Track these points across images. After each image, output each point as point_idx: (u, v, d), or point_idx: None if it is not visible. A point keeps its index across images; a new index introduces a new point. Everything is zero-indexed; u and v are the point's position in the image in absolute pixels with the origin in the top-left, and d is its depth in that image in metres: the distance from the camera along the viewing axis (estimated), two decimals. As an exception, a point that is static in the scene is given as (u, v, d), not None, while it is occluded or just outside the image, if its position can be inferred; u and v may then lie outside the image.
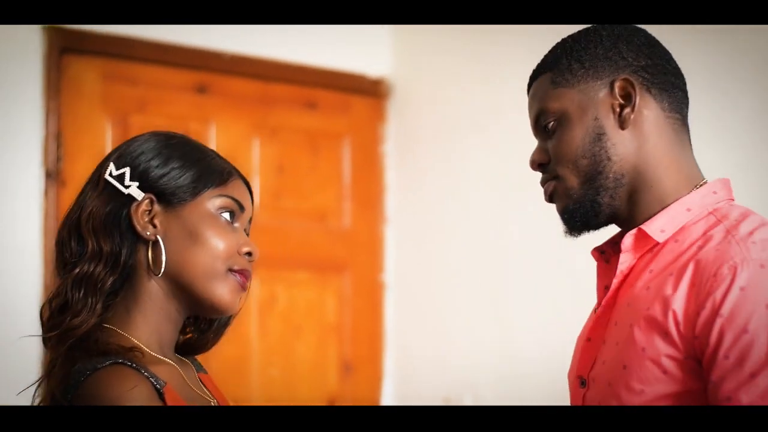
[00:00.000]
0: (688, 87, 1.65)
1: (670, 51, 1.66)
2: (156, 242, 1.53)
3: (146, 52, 3.55)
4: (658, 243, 1.53)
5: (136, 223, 1.53)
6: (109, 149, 3.35)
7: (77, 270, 1.51)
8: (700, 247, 1.48)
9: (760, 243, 1.45)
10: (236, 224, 1.58)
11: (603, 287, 1.63)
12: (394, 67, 3.99)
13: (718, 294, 1.41)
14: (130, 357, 1.45)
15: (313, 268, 3.86)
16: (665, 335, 1.44)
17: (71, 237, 1.54)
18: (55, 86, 3.35)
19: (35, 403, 1.52)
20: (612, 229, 1.64)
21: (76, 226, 1.54)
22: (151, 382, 1.43)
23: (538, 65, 1.64)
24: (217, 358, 3.73)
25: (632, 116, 1.56)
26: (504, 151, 3.38)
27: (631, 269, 1.55)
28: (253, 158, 3.75)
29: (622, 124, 1.56)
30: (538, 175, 1.64)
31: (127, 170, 1.55)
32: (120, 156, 1.57)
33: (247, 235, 1.62)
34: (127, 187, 1.54)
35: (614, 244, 1.64)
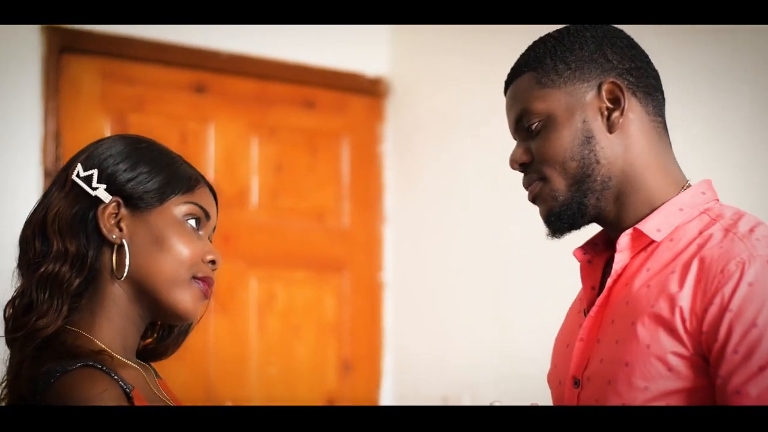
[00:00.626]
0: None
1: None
2: (121, 246, 1.53)
3: (145, 52, 3.55)
4: (652, 242, 1.54)
5: (102, 226, 1.53)
6: (107, 148, 3.36)
7: (42, 269, 1.50)
8: (701, 245, 1.48)
9: (764, 239, 1.46)
10: (201, 232, 1.58)
11: (589, 287, 1.64)
12: (393, 66, 3.99)
13: (727, 290, 1.42)
14: (100, 360, 1.45)
15: (312, 268, 3.86)
16: (672, 332, 1.44)
17: (35, 236, 1.54)
18: (53, 86, 3.36)
19: None
20: (593, 228, 1.65)
21: (41, 226, 1.54)
22: (120, 385, 1.43)
23: (518, 63, 1.63)
24: (216, 357, 3.75)
25: (621, 120, 1.57)
26: (502, 149, 3.35)
27: (624, 268, 1.56)
28: (251, 157, 3.75)
29: (611, 127, 1.57)
30: None
31: (95, 172, 1.55)
32: (88, 157, 1.57)
33: (210, 242, 1.61)
34: (94, 189, 1.54)
35: (595, 245, 1.66)
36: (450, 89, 3.74)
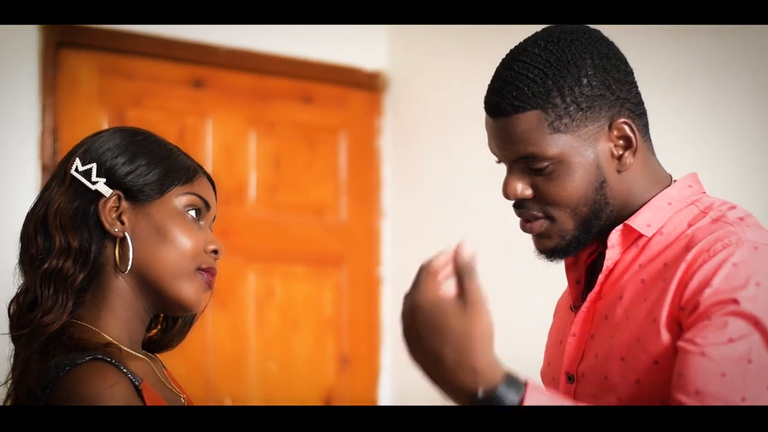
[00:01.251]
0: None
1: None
2: (123, 239, 1.53)
3: (143, 47, 3.55)
4: (641, 236, 1.54)
5: (104, 220, 1.53)
6: (105, 144, 3.36)
7: (45, 266, 1.51)
8: (690, 236, 1.48)
9: (754, 227, 1.47)
10: (201, 222, 1.58)
11: (574, 282, 1.64)
12: (391, 60, 3.99)
13: (709, 267, 1.42)
14: (109, 353, 1.45)
15: (310, 262, 3.86)
16: (655, 321, 1.44)
17: (37, 233, 1.54)
18: (51, 81, 3.35)
19: (6, 403, 1.51)
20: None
21: (43, 222, 1.54)
22: (129, 378, 1.43)
23: (516, 94, 1.51)
24: (214, 352, 3.75)
25: (632, 160, 1.54)
26: (501, 144, 3.37)
27: (615, 263, 1.56)
28: (249, 152, 3.75)
29: (621, 167, 1.54)
30: None
31: (93, 166, 1.55)
32: (86, 151, 1.57)
33: (211, 231, 1.61)
34: (94, 183, 1.54)
35: None
36: (448, 83, 3.73)
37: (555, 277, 3.28)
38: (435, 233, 3.80)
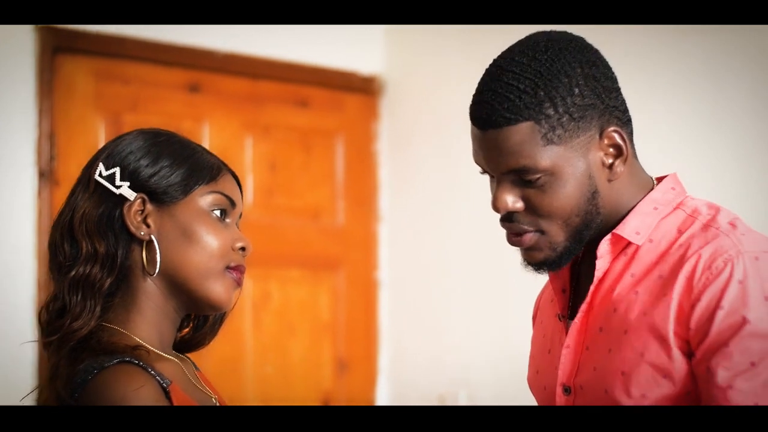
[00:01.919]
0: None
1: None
2: (150, 242, 1.52)
3: (139, 51, 3.55)
4: (630, 244, 1.52)
5: (129, 223, 1.52)
6: (102, 148, 3.36)
7: (73, 272, 1.50)
8: (685, 246, 1.48)
9: (749, 234, 1.47)
10: (228, 220, 1.58)
11: (560, 290, 1.62)
12: (387, 64, 3.99)
13: (716, 287, 1.42)
14: (137, 355, 1.45)
15: (307, 266, 3.86)
16: (663, 339, 1.44)
17: (64, 239, 1.53)
18: (47, 86, 3.35)
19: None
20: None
21: (69, 229, 1.53)
22: (157, 380, 1.43)
23: (507, 105, 1.47)
24: (211, 356, 3.73)
25: (622, 168, 1.53)
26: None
27: (605, 273, 1.54)
28: (245, 156, 3.75)
29: (612, 176, 1.53)
30: None
31: (117, 170, 1.54)
32: (108, 156, 1.56)
33: (238, 228, 1.61)
34: (118, 187, 1.54)
35: None
36: (444, 87, 3.74)
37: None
38: (432, 236, 3.80)
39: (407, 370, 3.86)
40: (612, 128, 1.51)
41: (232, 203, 1.59)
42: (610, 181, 1.52)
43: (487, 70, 1.54)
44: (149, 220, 1.53)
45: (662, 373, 1.44)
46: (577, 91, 1.48)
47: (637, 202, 1.55)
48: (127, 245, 1.53)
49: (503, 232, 1.56)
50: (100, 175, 1.55)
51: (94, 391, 1.40)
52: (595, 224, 1.53)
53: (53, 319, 1.50)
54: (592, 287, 1.54)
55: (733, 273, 1.41)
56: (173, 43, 3.59)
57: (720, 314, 1.40)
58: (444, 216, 3.75)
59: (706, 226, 1.49)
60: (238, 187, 1.63)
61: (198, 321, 1.66)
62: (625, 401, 1.47)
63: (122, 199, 1.53)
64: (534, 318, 1.80)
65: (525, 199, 1.52)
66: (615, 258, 1.54)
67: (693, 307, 1.42)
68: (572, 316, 1.59)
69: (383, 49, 3.98)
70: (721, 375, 1.39)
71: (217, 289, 1.54)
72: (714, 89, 2.87)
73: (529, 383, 1.71)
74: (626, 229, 1.52)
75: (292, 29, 3.73)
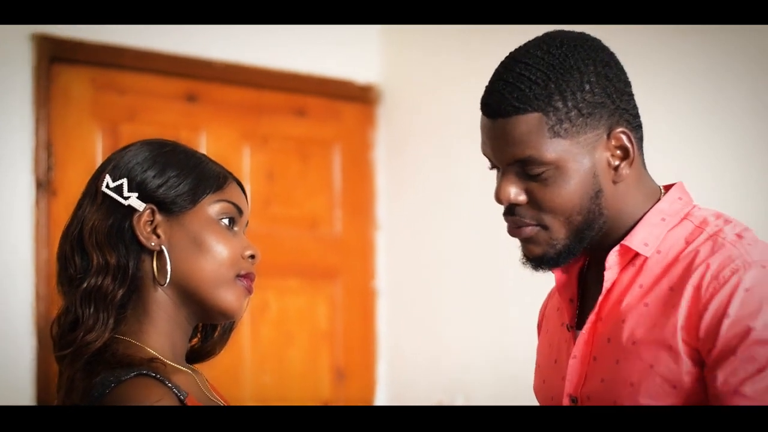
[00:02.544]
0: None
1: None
2: (161, 252, 1.53)
3: (136, 61, 3.55)
4: (638, 255, 1.52)
5: (139, 234, 1.52)
6: (99, 158, 3.36)
7: (85, 285, 1.50)
8: (692, 256, 1.48)
9: (756, 244, 1.47)
10: (236, 228, 1.58)
11: (568, 300, 1.62)
12: (384, 73, 4.00)
13: (722, 295, 1.42)
14: (153, 368, 1.44)
15: (305, 275, 3.86)
16: (673, 349, 1.44)
17: (74, 252, 1.53)
18: (44, 95, 3.35)
19: None
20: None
21: (79, 241, 1.53)
22: (174, 392, 1.43)
23: (517, 95, 1.49)
24: (209, 365, 3.72)
25: (628, 171, 1.53)
26: (494, 156, 3.37)
27: (614, 284, 1.54)
28: (243, 166, 3.75)
29: (617, 178, 1.53)
30: None
31: (124, 181, 1.54)
32: (115, 167, 1.56)
33: (245, 236, 1.61)
34: (126, 198, 1.54)
35: None
36: (441, 95, 3.74)
37: (546, 285, 3.29)
38: (430, 245, 3.80)
39: (406, 380, 3.86)
40: (620, 129, 1.51)
41: (240, 211, 1.59)
42: (615, 183, 1.53)
43: (501, 61, 1.55)
44: (159, 231, 1.53)
45: (671, 384, 1.45)
46: (587, 87, 1.49)
47: (645, 213, 1.55)
48: (137, 256, 1.53)
49: (501, 240, 1.57)
50: (108, 186, 1.54)
51: (113, 405, 1.40)
52: (597, 225, 1.53)
53: (66, 333, 1.50)
54: (600, 298, 1.54)
55: (741, 282, 1.42)
56: (170, 53, 3.59)
57: (726, 322, 1.41)
58: (441, 224, 3.75)
59: (713, 237, 1.49)
60: (243, 195, 1.63)
61: (206, 331, 1.66)
62: None
63: (131, 210, 1.53)
64: (539, 326, 1.80)
65: (528, 192, 1.52)
66: (623, 269, 1.54)
67: (701, 315, 1.43)
68: (580, 326, 1.59)
69: (380, 57, 3.99)
70: (729, 382, 1.40)
71: (228, 297, 1.54)
72: (714, 89, 2.88)
73: (535, 392, 1.71)
74: (634, 241, 1.52)
75: (288, 39, 3.74)
